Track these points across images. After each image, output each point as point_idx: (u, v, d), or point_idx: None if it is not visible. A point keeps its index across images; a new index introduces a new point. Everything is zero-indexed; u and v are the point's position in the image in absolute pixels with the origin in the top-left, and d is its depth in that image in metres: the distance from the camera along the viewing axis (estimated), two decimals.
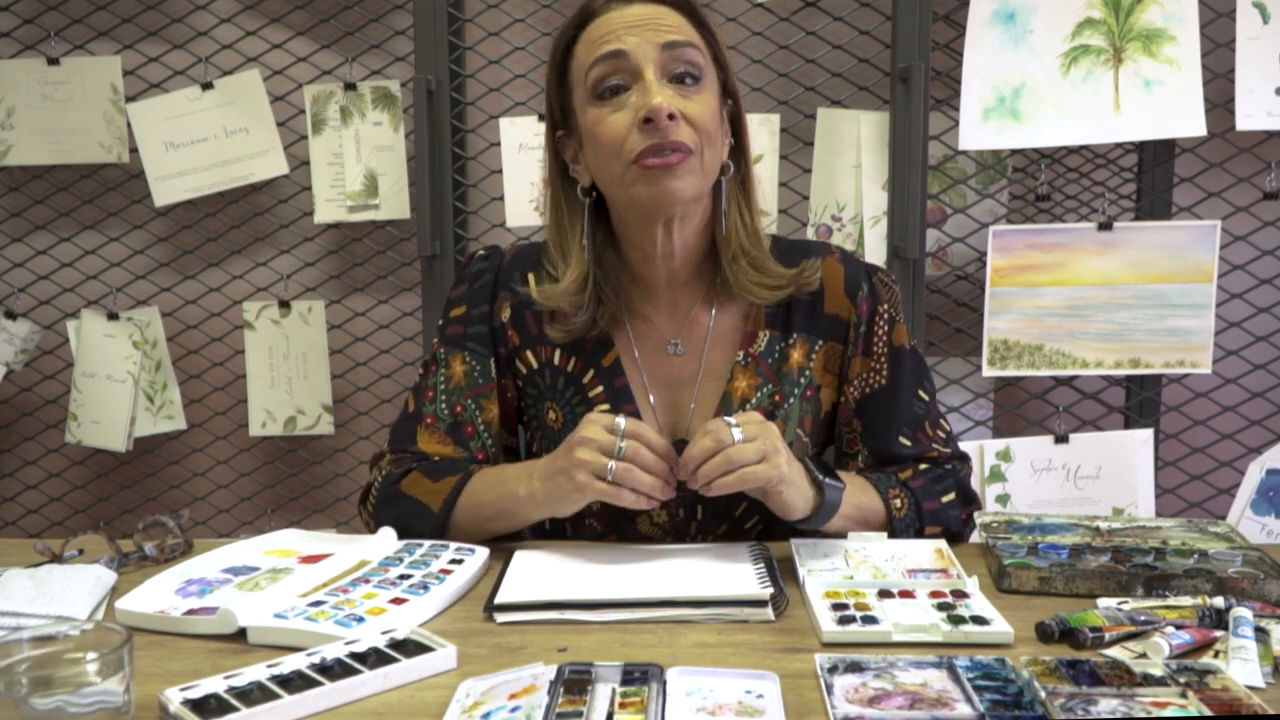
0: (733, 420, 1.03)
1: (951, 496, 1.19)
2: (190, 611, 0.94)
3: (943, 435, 1.24)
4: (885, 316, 1.23)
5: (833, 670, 0.81)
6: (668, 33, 1.10)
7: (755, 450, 1.02)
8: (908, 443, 1.21)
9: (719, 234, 1.19)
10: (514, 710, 0.74)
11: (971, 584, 0.98)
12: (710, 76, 1.13)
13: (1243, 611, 0.89)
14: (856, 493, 1.14)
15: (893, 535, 1.13)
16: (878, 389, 1.22)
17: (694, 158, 1.10)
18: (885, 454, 1.22)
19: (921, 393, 1.23)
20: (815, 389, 1.22)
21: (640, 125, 1.08)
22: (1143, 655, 0.85)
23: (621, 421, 1.04)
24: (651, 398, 1.21)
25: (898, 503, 1.15)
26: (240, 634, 0.90)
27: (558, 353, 1.23)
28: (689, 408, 1.21)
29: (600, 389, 1.21)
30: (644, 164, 1.09)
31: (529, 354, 1.24)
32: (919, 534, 1.16)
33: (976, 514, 1.19)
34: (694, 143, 1.09)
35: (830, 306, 1.22)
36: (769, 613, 0.94)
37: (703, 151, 1.11)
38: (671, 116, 1.07)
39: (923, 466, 1.21)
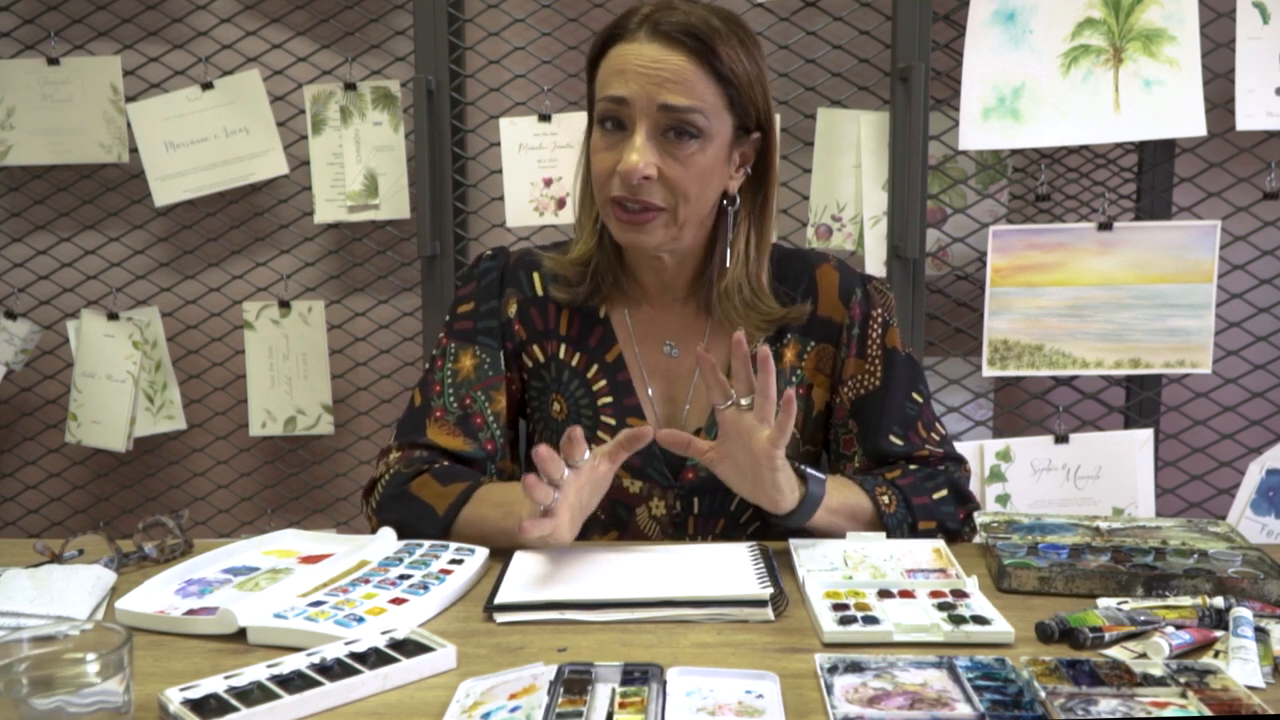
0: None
1: (944, 494, 1.19)
2: (190, 611, 0.94)
3: (936, 437, 1.25)
4: (879, 320, 1.25)
5: (833, 670, 0.81)
6: (670, 92, 1.09)
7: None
8: (899, 441, 1.23)
9: (714, 263, 1.21)
10: (514, 710, 0.74)
11: (971, 584, 0.98)
12: (717, 126, 1.12)
13: (1243, 611, 0.89)
14: (841, 490, 1.15)
15: (887, 534, 1.13)
16: (872, 390, 1.24)
17: (665, 214, 1.13)
18: (877, 453, 1.23)
19: (915, 395, 1.25)
20: (806, 388, 1.25)
21: (619, 173, 1.11)
22: (1143, 655, 0.85)
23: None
24: (650, 390, 1.25)
25: (885, 499, 1.16)
26: (240, 634, 0.90)
27: (563, 348, 1.26)
28: (685, 402, 1.24)
29: (604, 382, 1.25)
30: (615, 211, 1.14)
31: (535, 348, 1.27)
32: (913, 530, 1.16)
33: (976, 514, 1.19)
34: (667, 202, 1.13)
35: (824, 310, 1.25)
36: (769, 613, 0.94)
37: (677, 209, 1.13)
38: (647, 177, 1.10)
39: (912, 466, 1.22)
